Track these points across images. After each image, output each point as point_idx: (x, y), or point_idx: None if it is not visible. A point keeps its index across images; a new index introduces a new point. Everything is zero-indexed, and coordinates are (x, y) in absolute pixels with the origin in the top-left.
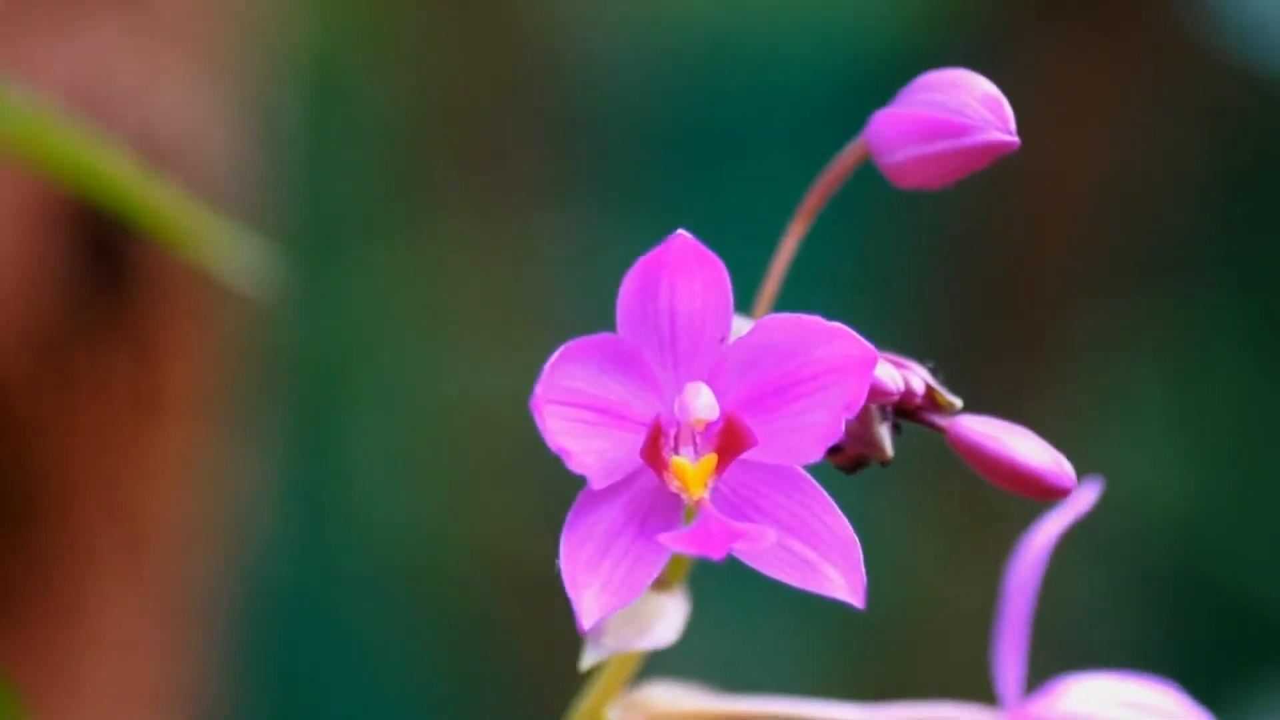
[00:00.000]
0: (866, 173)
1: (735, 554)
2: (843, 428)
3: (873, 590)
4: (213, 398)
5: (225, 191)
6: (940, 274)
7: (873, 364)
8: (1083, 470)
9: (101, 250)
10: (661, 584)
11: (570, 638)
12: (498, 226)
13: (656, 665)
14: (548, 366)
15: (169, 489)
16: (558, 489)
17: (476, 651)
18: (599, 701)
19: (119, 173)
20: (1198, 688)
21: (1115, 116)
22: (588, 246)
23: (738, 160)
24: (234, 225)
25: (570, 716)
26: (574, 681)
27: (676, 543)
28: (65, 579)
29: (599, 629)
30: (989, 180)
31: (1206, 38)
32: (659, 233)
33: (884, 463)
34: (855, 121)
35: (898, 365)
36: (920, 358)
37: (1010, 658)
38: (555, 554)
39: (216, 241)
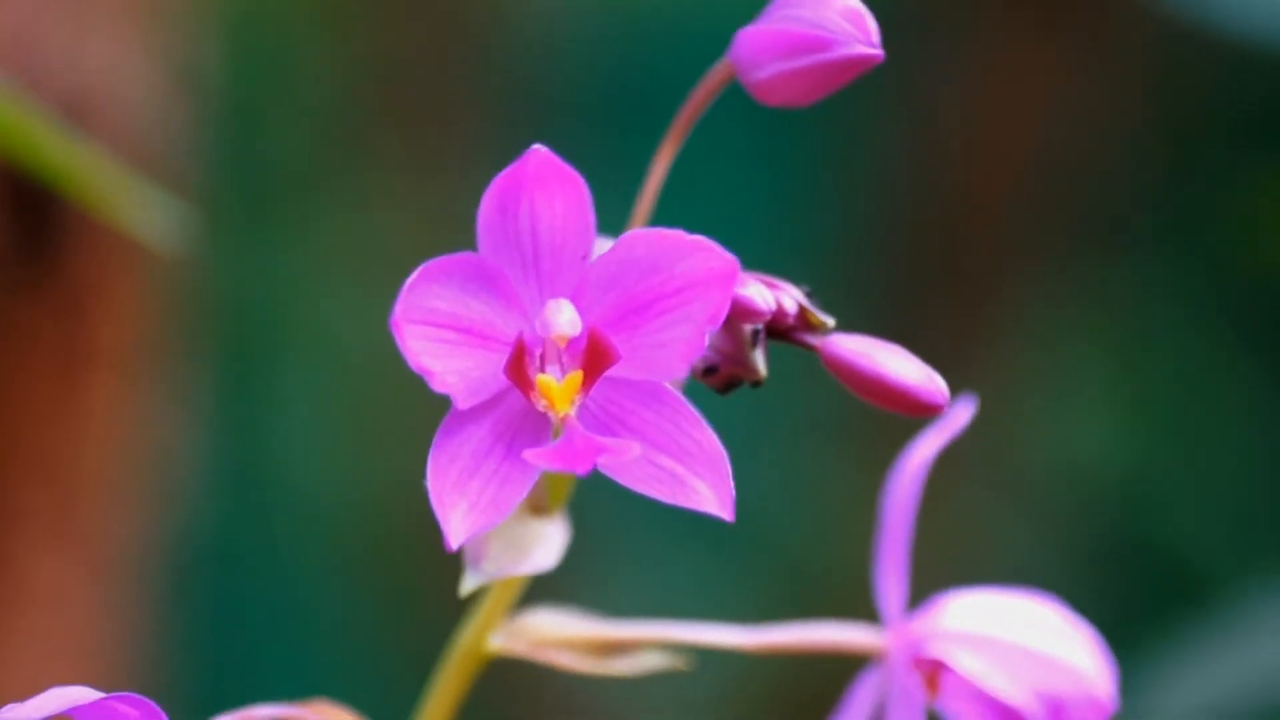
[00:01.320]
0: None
1: (603, 470)
2: (706, 341)
3: (808, 535)
4: (141, 352)
5: (152, 148)
6: (877, 235)
7: (734, 277)
8: (1019, 427)
9: (27, 205)
10: (541, 510)
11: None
12: (432, 181)
13: (587, 606)
14: (406, 285)
15: (97, 443)
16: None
17: (407, 602)
18: (482, 628)
19: (38, 133)
20: (1122, 637)
21: (1055, 77)
22: None
23: (671, 115)
24: (154, 184)
25: (454, 645)
26: None
27: (542, 458)
28: None
29: (480, 555)
30: (931, 136)
31: None
32: (596, 188)
33: (755, 383)
34: None
35: (770, 285)
36: (856, 319)
37: (891, 576)
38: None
39: (133, 202)
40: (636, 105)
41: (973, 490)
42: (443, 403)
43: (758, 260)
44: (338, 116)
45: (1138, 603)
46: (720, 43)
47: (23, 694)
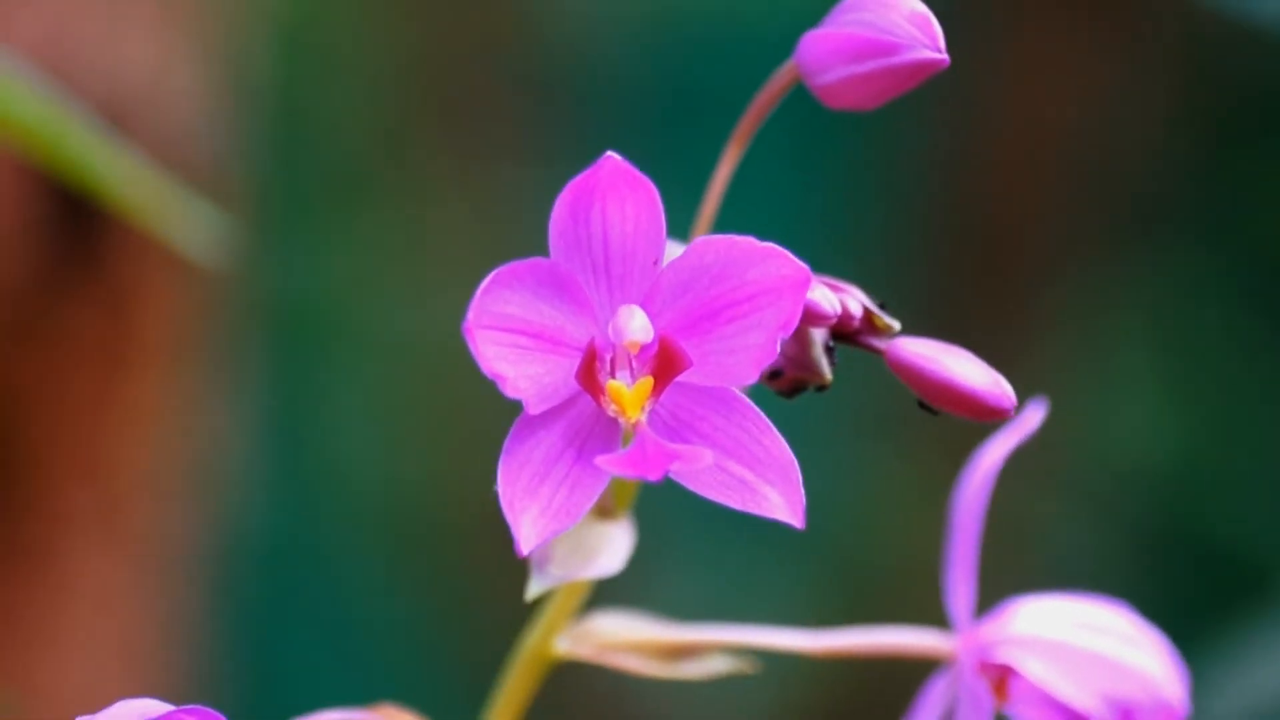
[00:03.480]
0: (849, 126)
1: (674, 476)
2: (778, 349)
3: (861, 535)
4: (187, 351)
5: (194, 148)
6: (918, 233)
7: (806, 284)
8: (1066, 423)
9: (73, 206)
10: (607, 513)
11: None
12: (480, 179)
13: (640, 605)
14: (479, 291)
15: (143, 442)
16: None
17: (455, 600)
18: (548, 632)
19: (81, 143)
20: (1180, 633)
21: (1092, 72)
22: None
23: (720, 115)
24: (197, 191)
25: (520, 648)
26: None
27: (613, 465)
28: (39, 533)
29: (546, 559)
30: (971, 131)
31: None
32: None
33: (822, 387)
34: None
35: (835, 289)
36: (894, 301)
37: (961, 581)
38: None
39: (174, 213)
40: (684, 101)
41: (1021, 487)
42: (495, 398)
43: (789, 246)
44: (387, 114)
45: (1190, 598)
46: (764, 42)
47: (71, 693)
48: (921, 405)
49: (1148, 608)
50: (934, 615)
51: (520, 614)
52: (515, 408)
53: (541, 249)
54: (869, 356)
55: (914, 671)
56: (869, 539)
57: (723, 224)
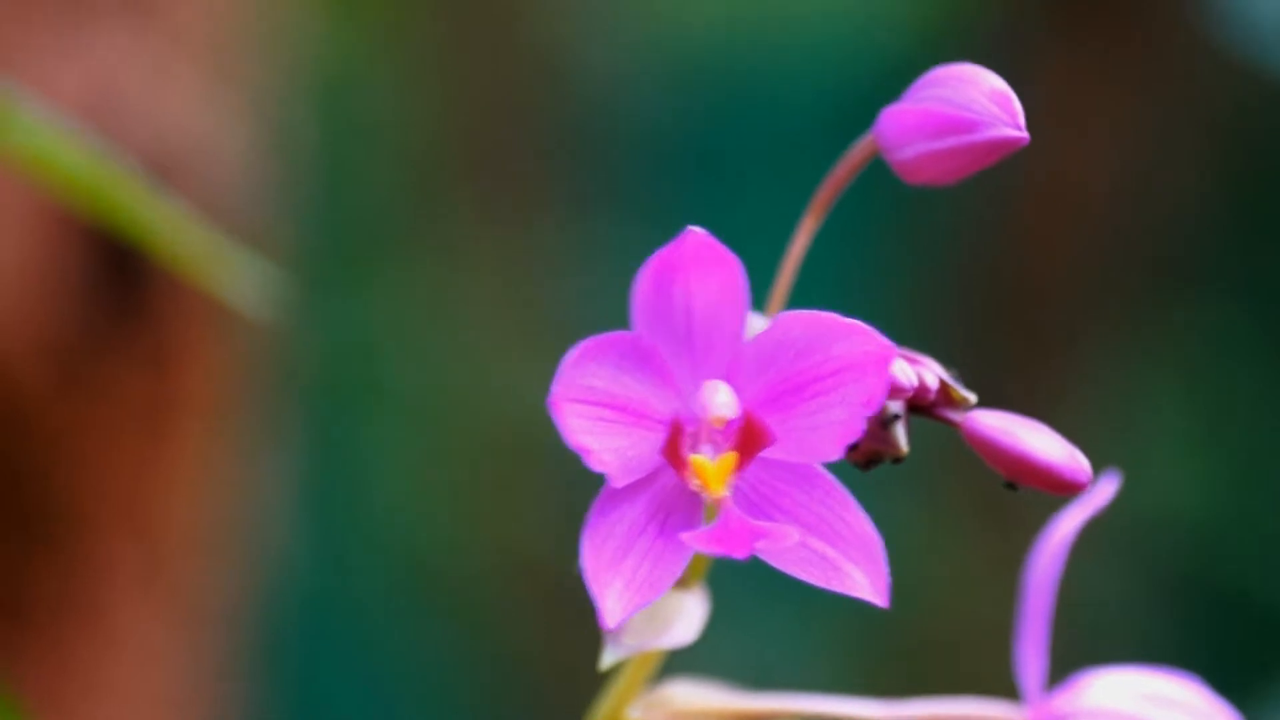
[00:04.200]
0: (878, 181)
1: (758, 554)
2: (863, 426)
3: (895, 595)
4: (229, 407)
5: (237, 203)
6: (952, 281)
7: (890, 360)
8: (1100, 477)
9: (118, 260)
10: (681, 582)
11: (590, 642)
12: (512, 236)
13: (676, 668)
14: (565, 364)
15: (186, 497)
16: (576, 495)
17: (495, 657)
18: (620, 701)
19: (127, 196)
20: (1214, 691)
21: (1123, 120)
22: (601, 255)
23: (747, 170)
24: (241, 246)
25: (591, 717)
26: (594, 685)
27: (699, 541)
28: (84, 587)
29: (619, 629)
30: (999, 186)
31: (1214, 39)
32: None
33: (898, 459)
34: (860, 130)
35: (911, 361)
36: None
37: (1032, 652)
38: (574, 559)
39: (222, 265)
40: (710, 156)
41: None
42: (527, 456)
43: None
44: (421, 173)
45: (1219, 654)
46: (789, 97)
47: None
48: (1008, 485)
49: (1177, 663)
50: (971, 678)
51: (554, 669)
52: (552, 465)
53: (576, 302)
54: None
55: None
56: (909, 602)
57: (756, 282)
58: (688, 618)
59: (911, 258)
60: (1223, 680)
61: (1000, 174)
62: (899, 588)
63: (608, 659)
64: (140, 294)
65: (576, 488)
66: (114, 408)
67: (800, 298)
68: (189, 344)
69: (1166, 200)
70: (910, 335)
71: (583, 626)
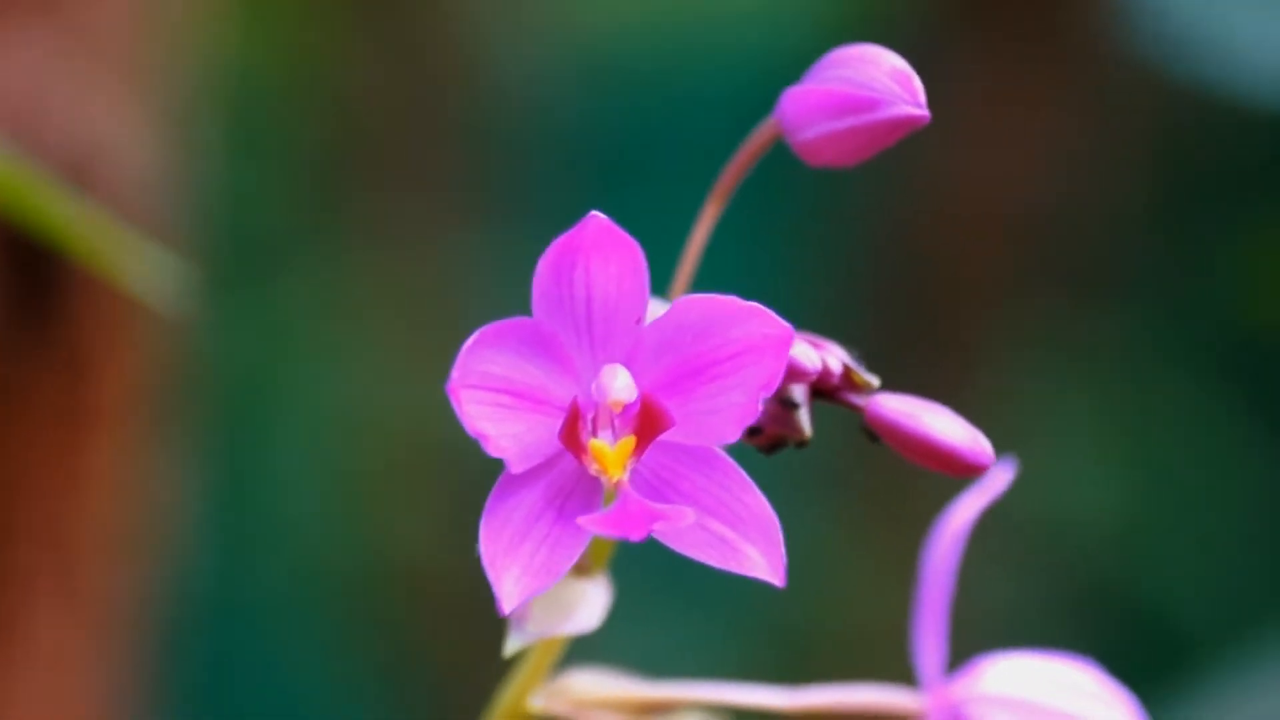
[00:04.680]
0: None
1: (655, 535)
2: (760, 408)
3: (800, 596)
4: (140, 412)
5: (151, 209)
6: (864, 279)
7: (789, 343)
8: (1014, 487)
9: (33, 266)
10: (583, 570)
11: (489, 647)
12: (417, 243)
13: (580, 661)
14: (463, 351)
15: (98, 502)
16: (475, 500)
17: (398, 659)
18: (523, 689)
19: (39, 192)
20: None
21: (1047, 131)
22: (506, 264)
23: (659, 176)
24: (152, 244)
25: (494, 705)
26: (494, 683)
27: (596, 524)
28: None
29: (522, 615)
30: (917, 185)
31: (1134, 49)
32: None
33: (801, 444)
34: None
35: (815, 345)
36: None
37: (930, 639)
38: (473, 564)
39: (133, 260)
40: (625, 157)
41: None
42: (429, 461)
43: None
44: (332, 177)
45: (1122, 655)
46: (707, 95)
47: None
48: (865, 431)
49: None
50: (878, 671)
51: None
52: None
53: (487, 311)
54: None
55: None
56: (809, 596)
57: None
58: (590, 605)
59: (826, 252)
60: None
61: (920, 178)
62: (804, 583)
63: (511, 645)
64: (54, 300)
65: (478, 494)
66: (29, 413)
67: (711, 286)
68: (103, 350)
69: (1084, 208)
70: (820, 327)
71: (485, 633)
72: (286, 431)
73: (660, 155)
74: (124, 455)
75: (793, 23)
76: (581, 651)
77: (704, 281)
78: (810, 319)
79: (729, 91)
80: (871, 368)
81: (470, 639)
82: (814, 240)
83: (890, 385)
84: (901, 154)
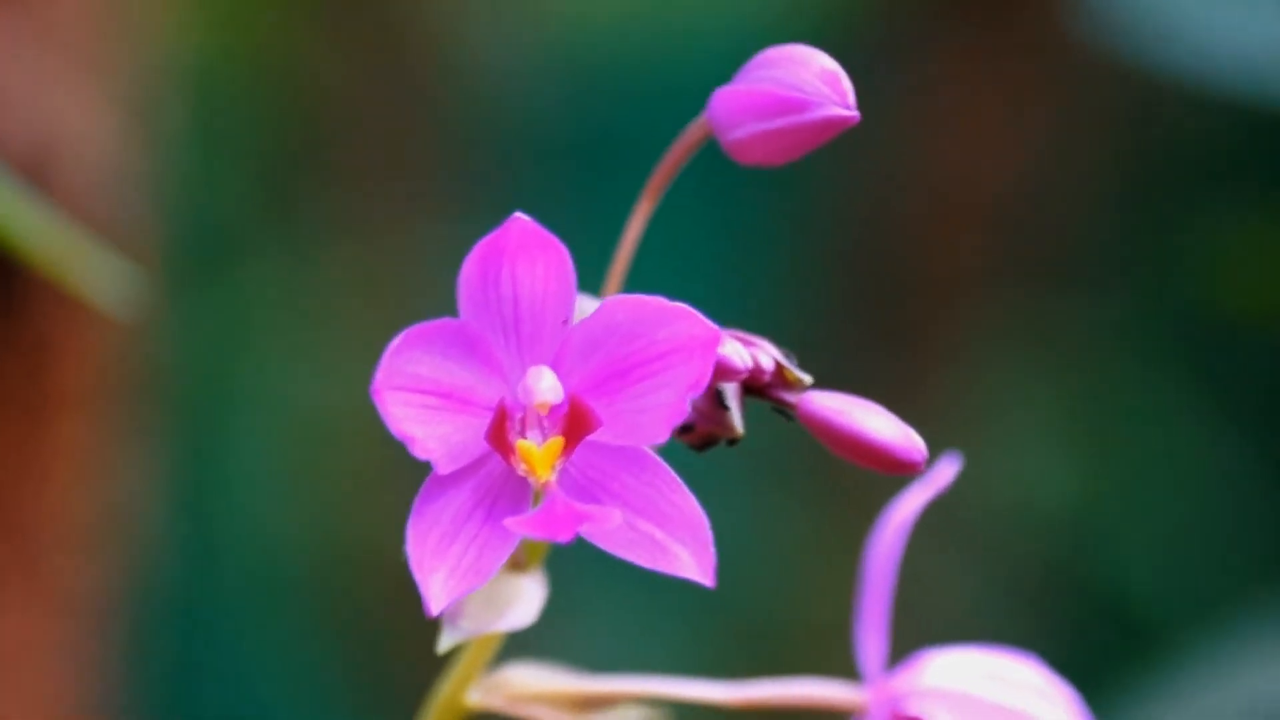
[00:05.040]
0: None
1: (584, 536)
2: (688, 408)
3: (755, 589)
4: (102, 403)
5: (111, 202)
6: (826, 267)
7: (716, 344)
8: (967, 468)
9: None
10: (519, 566)
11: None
12: (380, 237)
13: (521, 655)
14: (388, 352)
15: (60, 492)
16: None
17: (363, 651)
18: (459, 684)
19: None
20: (1073, 686)
21: (1011, 119)
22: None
23: (630, 168)
24: (105, 248)
25: (431, 699)
26: (441, 673)
27: (522, 526)
28: None
29: (456, 612)
30: (878, 179)
31: (1102, 39)
32: None
33: (733, 441)
34: None
35: (746, 343)
36: (804, 350)
37: (872, 633)
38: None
39: (85, 265)
40: (594, 153)
41: (917, 532)
42: (389, 458)
43: (704, 295)
44: (293, 170)
45: (1083, 646)
46: (679, 93)
47: None
48: (779, 412)
49: (1035, 654)
50: (831, 667)
51: (424, 663)
52: (411, 466)
53: (451, 305)
54: (765, 410)
55: None
56: (766, 593)
57: (632, 275)
58: (526, 601)
59: (792, 245)
60: (1079, 676)
61: (883, 169)
62: (759, 577)
63: (445, 642)
64: (16, 290)
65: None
66: None
67: (670, 281)
68: (64, 339)
69: (1050, 198)
70: (785, 328)
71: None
72: (249, 424)
73: (631, 146)
74: (87, 445)
75: (763, 15)
76: (524, 646)
77: (671, 275)
78: (775, 311)
79: (700, 83)
80: (835, 359)
81: (434, 630)
82: (780, 233)
83: (854, 376)
84: (868, 145)
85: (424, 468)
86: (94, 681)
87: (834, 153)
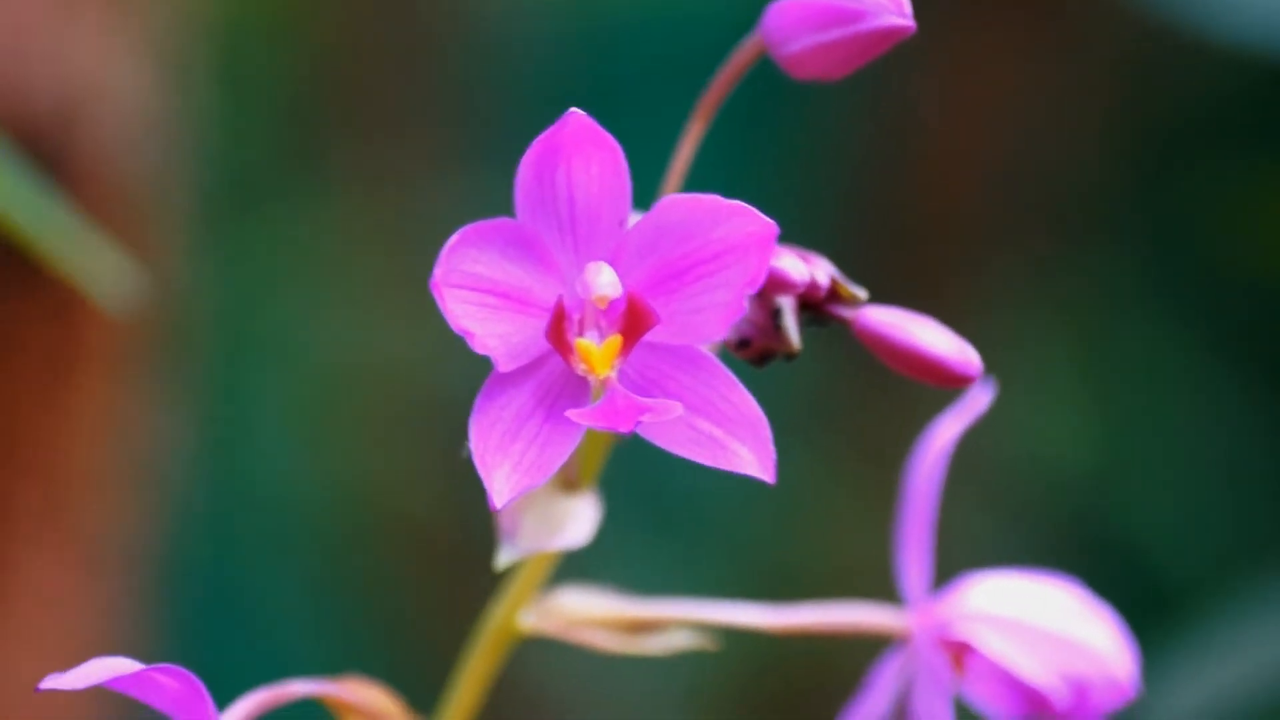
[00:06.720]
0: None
1: (643, 433)
2: (745, 305)
3: (782, 531)
4: (129, 354)
5: (137, 151)
6: (842, 230)
7: (773, 239)
8: (989, 428)
9: None
10: (572, 486)
11: (471, 597)
12: (401, 186)
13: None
14: (445, 250)
15: (87, 442)
16: (456, 449)
17: (386, 596)
18: (513, 606)
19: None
20: None
21: (1026, 74)
22: (491, 207)
23: (644, 106)
24: (138, 193)
25: (484, 624)
26: (471, 630)
27: (585, 417)
28: None
29: (513, 530)
30: (894, 137)
31: None
32: None
33: (790, 356)
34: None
35: (803, 258)
36: None
37: (913, 558)
38: (459, 505)
39: (88, 258)
40: (606, 88)
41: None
42: (409, 403)
43: None
44: (306, 124)
45: (1108, 603)
46: (675, 35)
47: (14, 690)
48: (746, 355)
49: None
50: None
51: (446, 609)
52: (435, 421)
53: None
54: (778, 362)
55: (835, 657)
56: (784, 537)
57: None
58: (580, 520)
59: (803, 201)
60: None
61: (899, 122)
62: (786, 518)
63: (503, 559)
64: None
65: (462, 432)
66: (17, 354)
67: None
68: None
69: (1072, 151)
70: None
71: (467, 581)
72: (273, 374)
73: (646, 94)
74: (114, 397)
75: None
76: (564, 577)
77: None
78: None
79: (712, 26)
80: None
81: (459, 582)
82: (790, 188)
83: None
84: (879, 98)
85: (450, 417)
86: (119, 629)
87: (845, 105)
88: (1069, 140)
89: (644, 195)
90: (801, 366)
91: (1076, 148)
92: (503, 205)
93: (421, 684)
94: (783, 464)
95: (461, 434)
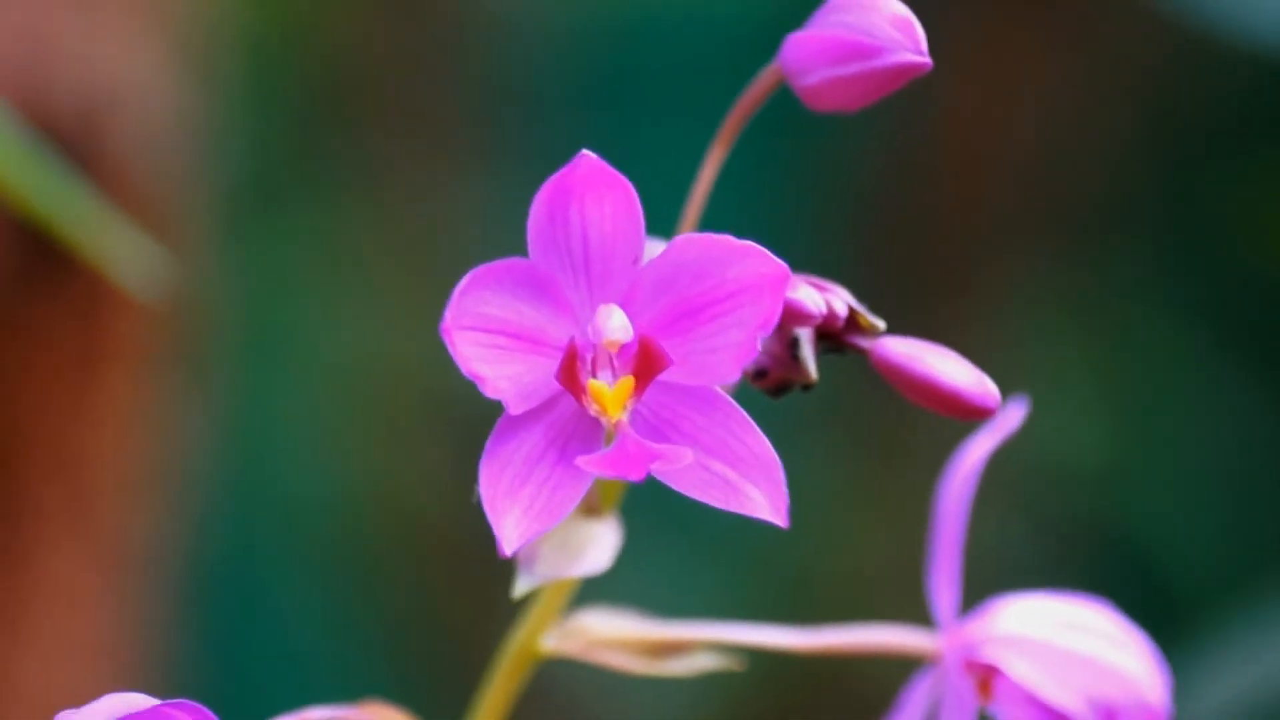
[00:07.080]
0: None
1: (657, 476)
2: (758, 346)
3: (802, 540)
4: (156, 354)
5: (160, 151)
6: (854, 223)
7: (785, 282)
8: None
9: None
10: (593, 511)
11: (487, 595)
12: (418, 187)
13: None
14: (457, 291)
15: (113, 442)
16: (473, 449)
17: (407, 600)
18: (534, 630)
19: (28, 172)
20: None
21: (1042, 73)
22: (508, 208)
23: (662, 117)
24: (163, 191)
25: (506, 647)
26: (499, 635)
27: (595, 465)
28: (10, 529)
29: (531, 557)
30: (910, 136)
31: None
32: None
33: (807, 386)
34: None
35: (820, 288)
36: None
37: (944, 580)
38: (476, 510)
39: (117, 246)
40: (617, 106)
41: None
42: (429, 404)
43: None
44: (324, 124)
45: (1124, 604)
46: (688, 35)
47: (39, 691)
48: (833, 351)
49: None
50: (867, 617)
51: (469, 615)
52: (450, 419)
53: (490, 253)
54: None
55: (853, 676)
56: (804, 546)
57: (667, 221)
58: (600, 546)
59: (819, 202)
60: None
61: (916, 122)
62: (805, 527)
63: (521, 587)
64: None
65: (476, 441)
66: (44, 352)
67: (708, 228)
68: (117, 292)
69: (1080, 153)
70: (818, 268)
71: (482, 581)
72: (295, 373)
73: (664, 96)
74: (138, 395)
75: None
76: (585, 594)
77: (704, 227)
78: (807, 264)
79: (733, 31)
80: (868, 304)
81: (476, 585)
82: (806, 188)
83: (888, 332)
84: (898, 101)
85: (468, 416)
86: (140, 627)
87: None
88: (1087, 142)
89: (664, 200)
90: (820, 372)
91: (1094, 149)
92: (522, 205)
93: (444, 685)
94: (801, 469)
95: (483, 435)
